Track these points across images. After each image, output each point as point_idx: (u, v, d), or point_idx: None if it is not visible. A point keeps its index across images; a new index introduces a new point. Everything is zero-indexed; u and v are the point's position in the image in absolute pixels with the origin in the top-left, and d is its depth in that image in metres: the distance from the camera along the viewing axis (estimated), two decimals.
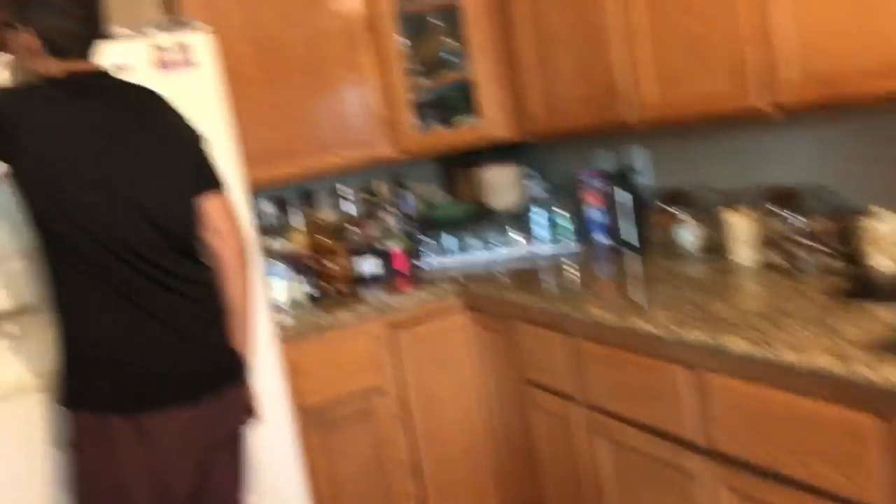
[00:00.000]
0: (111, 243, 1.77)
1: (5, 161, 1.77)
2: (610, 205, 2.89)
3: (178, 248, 1.88)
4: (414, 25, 3.08)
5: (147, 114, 1.91)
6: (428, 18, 3.07)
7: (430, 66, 3.09)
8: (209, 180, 1.99)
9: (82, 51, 1.85)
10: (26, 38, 1.80)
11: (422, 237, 3.14)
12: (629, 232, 2.83)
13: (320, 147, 2.97)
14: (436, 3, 3.05)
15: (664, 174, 2.81)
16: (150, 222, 1.82)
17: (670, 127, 2.43)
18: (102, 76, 1.89)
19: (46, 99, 1.77)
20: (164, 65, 2.19)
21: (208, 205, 1.97)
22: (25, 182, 1.76)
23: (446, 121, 3.14)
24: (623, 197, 2.83)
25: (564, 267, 2.80)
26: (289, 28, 2.89)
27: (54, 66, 1.82)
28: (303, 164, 2.92)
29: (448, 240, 3.12)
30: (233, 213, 2.03)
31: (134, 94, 1.92)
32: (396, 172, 3.32)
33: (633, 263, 2.69)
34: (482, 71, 2.97)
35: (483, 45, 2.95)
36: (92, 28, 1.85)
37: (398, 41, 3.01)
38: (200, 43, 2.26)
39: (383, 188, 3.28)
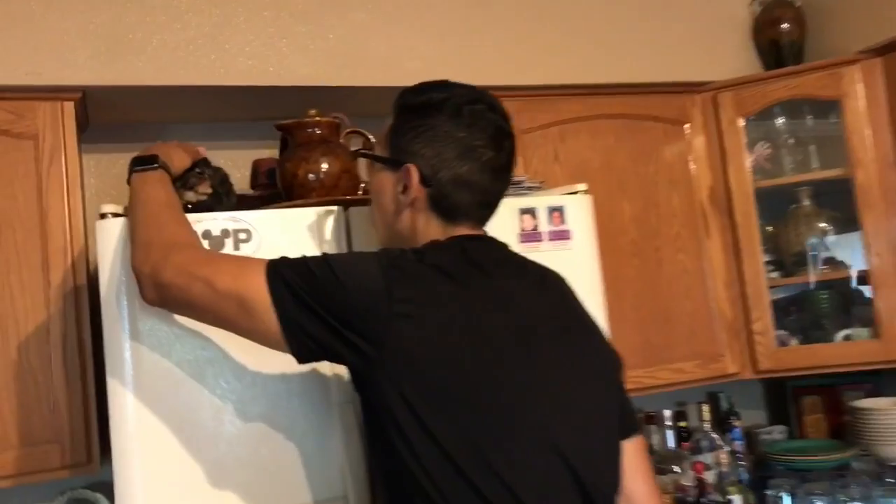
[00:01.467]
0: (508, 500, 1.04)
1: (362, 353, 1.08)
2: None
3: None
4: (776, 204, 2.36)
5: (564, 310, 1.22)
6: (795, 196, 2.35)
7: (793, 257, 2.33)
8: (633, 422, 1.26)
9: (483, 216, 1.21)
10: (402, 180, 1.18)
11: (769, 488, 2.26)
12: None
13: (648, 357, 2.20)
14: (809, 177, 2.32)
15: None
16: (573, 478, 1.09)
17: None
18: (493, 244, 1.23)
19: (438, 273, 1.10)
20: (533, 236, 1.53)
21: (625, 456, 1.22)
22: (382, 390, 1.07)
23: (811, 332, 2.33)
24: None
25: None
26: (619, 201, 2.24)
27: (434, 229, 1.18)
28: (630, 377, 2.16)
29: (807, 495, 2.20)
30: (652, 470, 1.27)
31: (542, 276, 1.23)
32: (712, 393, 2.51)
33: None
34: (881, 265, 2.18)
35: (886, 230, 2.18)
36: (504, 184, 1.22)
37: (755, 224, 2.28)
38: (578, 209, 1.60)
39: (705, 413, 2.45)
